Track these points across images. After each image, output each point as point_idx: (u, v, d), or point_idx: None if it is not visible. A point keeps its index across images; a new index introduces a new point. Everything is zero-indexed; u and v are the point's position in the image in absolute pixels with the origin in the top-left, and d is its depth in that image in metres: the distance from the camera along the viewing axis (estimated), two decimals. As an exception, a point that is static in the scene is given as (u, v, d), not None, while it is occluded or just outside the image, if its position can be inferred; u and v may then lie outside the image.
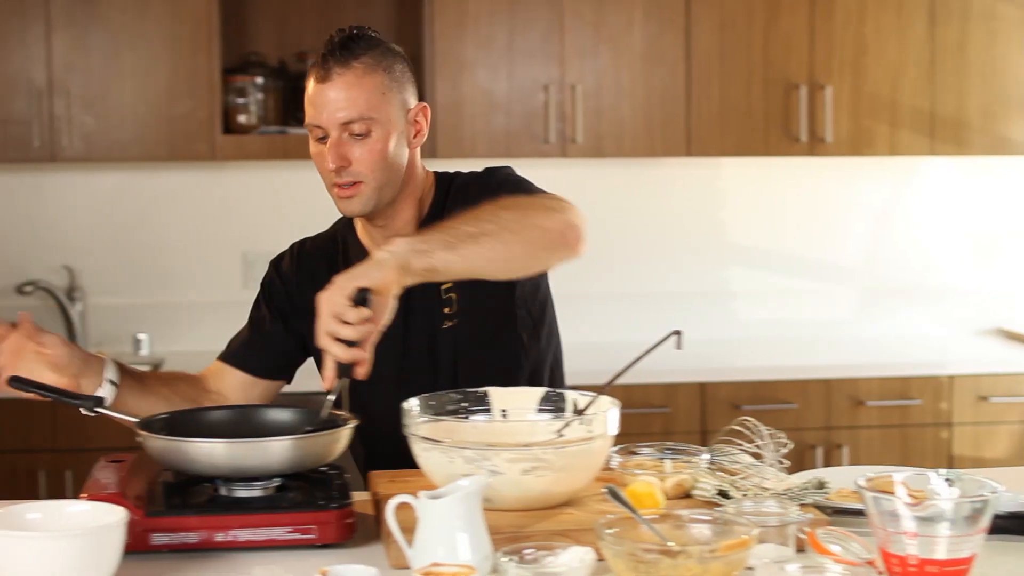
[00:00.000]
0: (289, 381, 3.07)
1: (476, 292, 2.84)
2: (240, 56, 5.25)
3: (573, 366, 3.19)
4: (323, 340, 2.37)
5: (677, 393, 4.96)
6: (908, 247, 5.78)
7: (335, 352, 2.38)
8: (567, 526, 2.30)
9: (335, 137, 2.76)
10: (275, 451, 2.36)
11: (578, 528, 2.28)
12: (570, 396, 2.63)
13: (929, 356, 5.24)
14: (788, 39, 5.23)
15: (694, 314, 5.58)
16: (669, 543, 2.05)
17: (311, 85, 2.78)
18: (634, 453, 2.58)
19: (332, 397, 2.47)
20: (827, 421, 5.00)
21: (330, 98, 2.75)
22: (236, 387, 3.01)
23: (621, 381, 2.56)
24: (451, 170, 3.05)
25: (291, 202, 5.39)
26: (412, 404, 2.51)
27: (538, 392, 2.66)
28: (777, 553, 2.16)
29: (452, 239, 2.46)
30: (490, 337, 2.93)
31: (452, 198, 2.94)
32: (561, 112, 5.11)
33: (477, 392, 2.67)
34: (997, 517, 2.33)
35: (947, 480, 2.20)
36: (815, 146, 5.26)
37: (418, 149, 2.92)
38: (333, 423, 2.49)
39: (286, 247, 3.14)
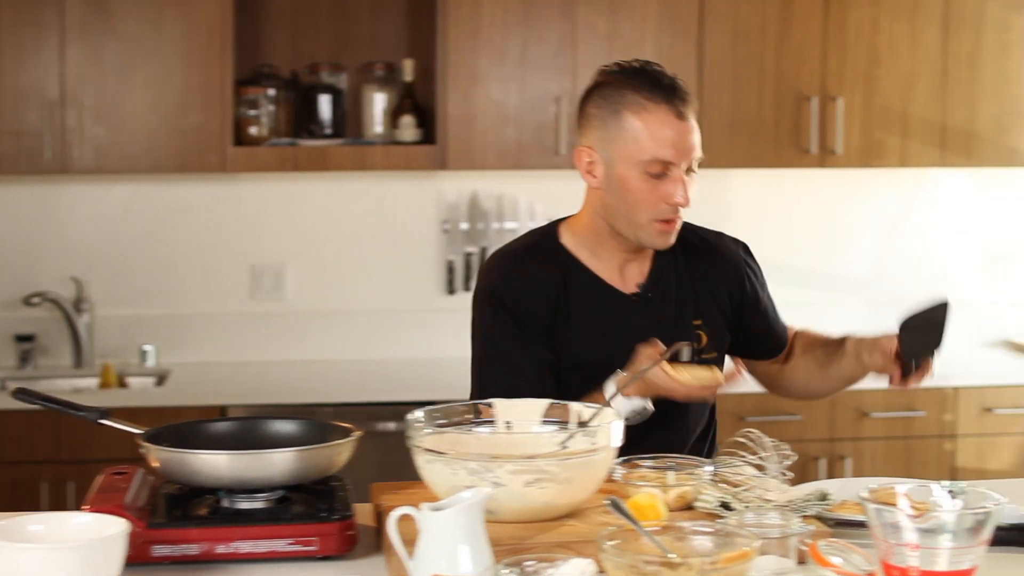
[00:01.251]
0: None
1: (717, 330, 3.04)
2: (252, 68, 5.26)
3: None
4: None
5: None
6: (916, 259, 5.77)
7: None
8: (569, 538, 2.30)
9: (680, 174, 2.84)
10: (278, 463, 2.36)
11: (580, 540, 2.28)
12: (574, 408, 2.63)
13: (934, 367, 5.21)
14: (800, 50, 5.22)
15: (704, 326, 5.57)
16: (670, 555, 2.05)
17: (660, 121, 2.81)
18: (637, 465, 2.58)
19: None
20: (831, 433, 4.99)
21: (689, 137, 2.84)
22: None
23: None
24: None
25: (301, 214, 5.40)
26: (417, 415, 2.51)
27: (542, 404, 2.66)
28: (779, 565, 2.16)
29: None
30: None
31: (700, 248, 3.09)
32: (572, 124, 5.10)
33: (481, 404, 2.67)
34: (999, 529, 2.32)
35: (950, 492, 2.19)
36: (825, 158, 5.25)
37: None
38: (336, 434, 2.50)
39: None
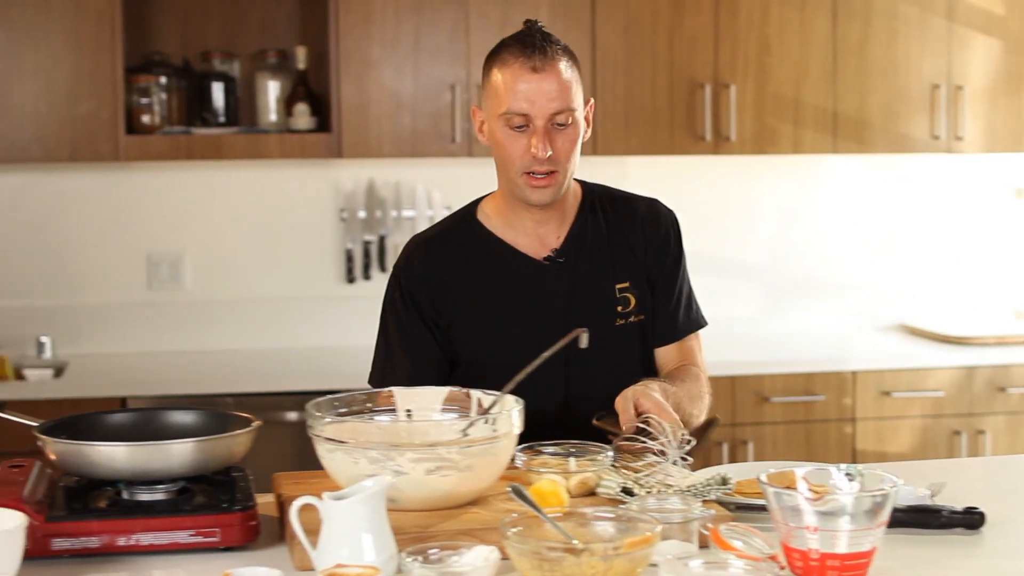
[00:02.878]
0: None
1: (644, 292, 3.05)
2: (143, 55, 5.20)
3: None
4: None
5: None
6: (811, 244, 5.83)
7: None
8: (472, 525, 2.31)
9: (542, 126, 2.84)
10: (177, 454, 2.34)
11: (483, 527, 2.28)
12: (475, 395, 2.63)
13: (833, 352, 5.29)
14: (693, 38, 5.25)
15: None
16: (573, 541, 2.06)
17: (513, 74, 2.84)
18: (539, 452, 2.59)
19: None
20: (732, 418, 5.03)
21: (544, 88, 2.83)
22: None
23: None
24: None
25: (195, 203, 5.35)
26: (317, 404, 2.51)
27: (443, 392, 2.67)
28: (680, 549, 2.17)
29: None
30: (648, 335, 3.08)
31: (624, 212, 3.09)
32: (467, 112, 5.11)
33: (382, 392, 2.67)
34: (896, 511, 2.36)
35: (848, 475, 2.22)
36: (719, 144, 5.29)
37: None
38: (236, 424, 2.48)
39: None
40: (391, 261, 5.40)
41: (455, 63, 5.11)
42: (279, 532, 2.43)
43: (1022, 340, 5.43)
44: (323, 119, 5.16)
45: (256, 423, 2.48)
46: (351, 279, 5.39)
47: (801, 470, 2.24)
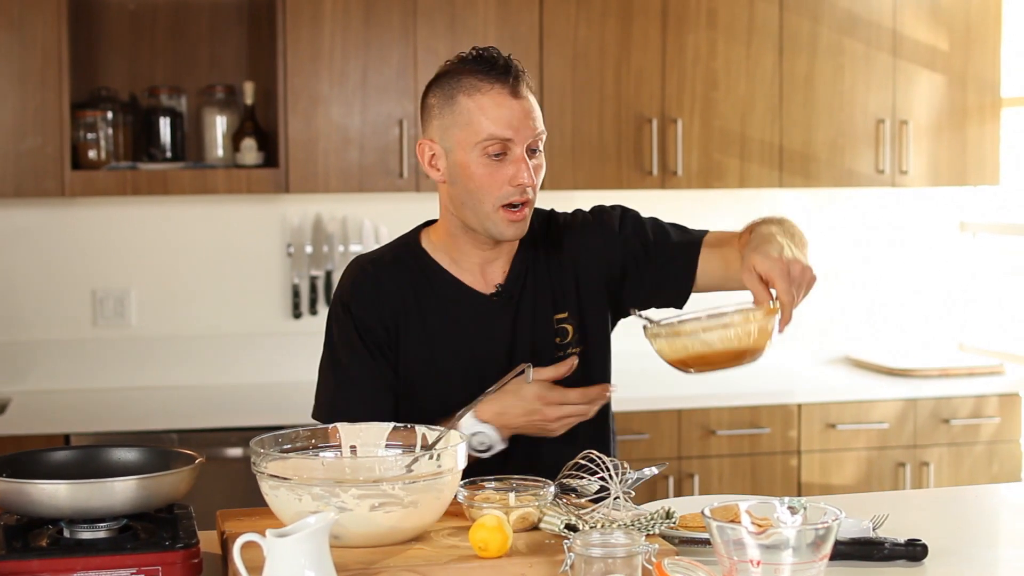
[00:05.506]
0: None
1: (585, 320, 2.96)
2: (89, 91, 5.18)
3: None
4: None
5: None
6: (758, 278, 5.85)
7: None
8: (415, 562, 2.30)
9: (521, 154, 2.77)
10: (119, 492, 2.33)
11: (426, 563, 2.28)
12: (419, 431, 2.63)
13: (778, 385, 5.30)
14: (640, 74, 5.28)
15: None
16: None
17: (492, 100, 2.76)
18: (481, 487, 2.58)
19: None
20: (678, 451, 5.04)
21: (524, 112, 2.77)
22: None
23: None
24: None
25: (141, 238, 5.33)
26: (260, 441, 2.50)
27: (387, 427, 2.66)
28: (624, 584, 2.17)
29: None
30: (600, 367, 3.00)
31: (558, 236, 3.01)
32: (414, 147, 5.11)
33: (326, 428, 2.66)
34: (839, 543, 2.37)
35: (791, 508, 2.23)
36: (666, 179, 5.31)
37: None
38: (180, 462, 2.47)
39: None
40: (338, 296, 5.39)
41: (403, 99, 5.12)
42: (222, 569, 2.42)
43: (965, 372, 5.48)
44: (270, 154, 5.16)
45: (199, 460, 2.47)
46: (297, 314, 5.39)
47: (744, 503, 2.25)
